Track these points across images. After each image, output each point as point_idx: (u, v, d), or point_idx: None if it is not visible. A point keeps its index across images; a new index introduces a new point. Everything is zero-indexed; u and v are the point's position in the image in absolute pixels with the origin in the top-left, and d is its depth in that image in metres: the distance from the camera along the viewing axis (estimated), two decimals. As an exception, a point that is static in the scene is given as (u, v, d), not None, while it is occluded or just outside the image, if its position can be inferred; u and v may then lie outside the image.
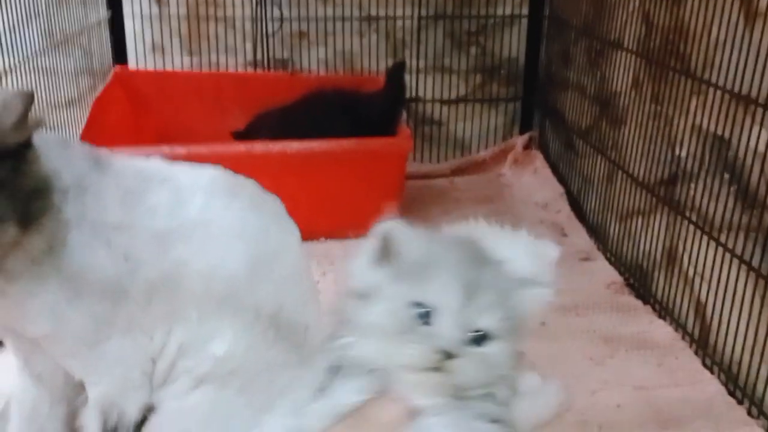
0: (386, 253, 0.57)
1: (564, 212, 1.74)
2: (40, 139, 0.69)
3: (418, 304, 0.53)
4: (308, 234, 1.44)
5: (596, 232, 1.65)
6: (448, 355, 0.51)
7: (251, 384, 0.79)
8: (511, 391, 0.54)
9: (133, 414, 0.76)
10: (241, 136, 1.70)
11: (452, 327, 0.52)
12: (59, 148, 0.72)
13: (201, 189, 0.80)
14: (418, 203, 1.77)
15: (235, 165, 1.48)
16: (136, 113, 1.84)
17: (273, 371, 0.80)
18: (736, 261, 1.10)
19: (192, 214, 0.78)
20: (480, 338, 0.53)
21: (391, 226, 0.58)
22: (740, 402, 1.11)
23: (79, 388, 0.77)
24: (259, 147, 1.50)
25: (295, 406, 0.64)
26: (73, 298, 0.70)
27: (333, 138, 1.52)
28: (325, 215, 1.58)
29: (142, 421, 0.77)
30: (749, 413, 1.08)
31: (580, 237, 1.65)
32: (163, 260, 0.76)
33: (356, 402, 0.56)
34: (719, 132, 1.18)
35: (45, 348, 0.75)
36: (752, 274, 1.07)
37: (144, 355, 0.76)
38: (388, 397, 0.55)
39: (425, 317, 0.53)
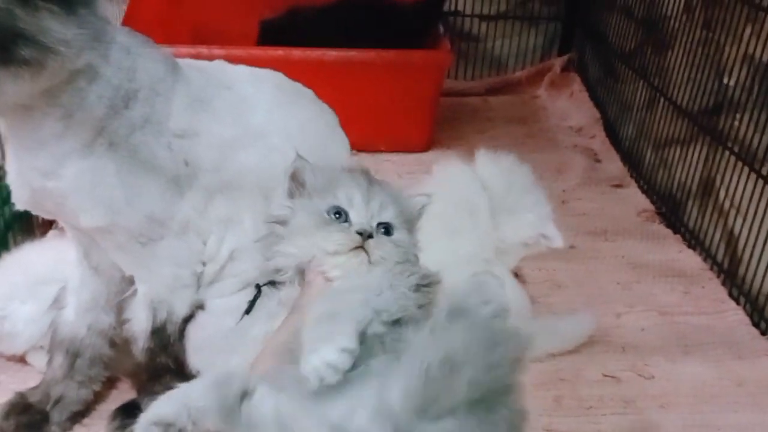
0: (297, 185, 0.68)
1: (599, 138, 1.72)
2: (123, 33, 0.70)
3: (333, 207, 0.64)
4: (343, 145, 1.45)
5: (630, 160, 1.63)
6: (368, 236, 0.62)
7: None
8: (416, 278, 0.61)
9: (181, 310, 0.78)
10: (269, 26, 1.67)
11: (364, 217, 0.64)
12: (140, 47, 0.72)
13: (264, 98, 0.81)
14: (450, 121, 1.76)
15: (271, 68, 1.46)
16: (170, 10, 1.81)
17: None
18: (775, 194, 1.09)
19: (255, 124, 0.79)
20: (385, 229, 0.65)
21: (296, 164, 0.68)
22: (763, 333, 1.12)
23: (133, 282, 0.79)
24: (297, 53, 1.48)
25: None
26: (130, 196, 0.71)
27: (366, 46, 1.49)
28: (359, 127, 1.54)
29: (190, 317, 0.79)
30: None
31: (614, 163, 1.64)
32: (223, 167, 0.76)
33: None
34: (772, 62, 1.15)
35: (98, 240, 0.76)
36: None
37: (196, 257, 0.77)
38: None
39: (340, 217, 0.64)
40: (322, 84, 1.50)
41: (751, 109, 1.20)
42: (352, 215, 0.64)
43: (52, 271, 0.91)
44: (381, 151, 1.60)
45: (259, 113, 0.78)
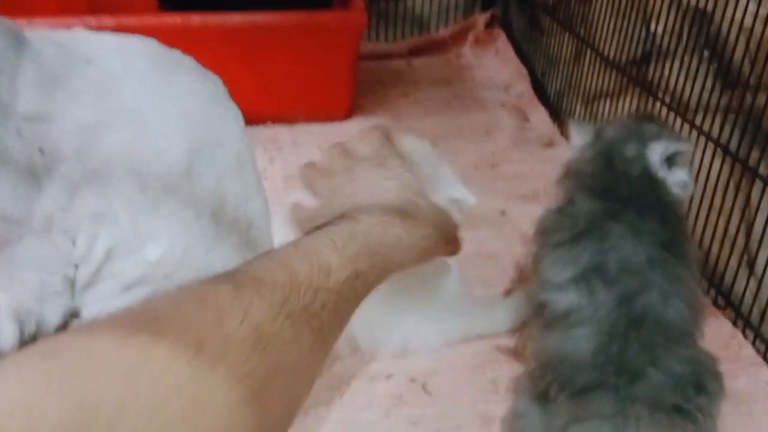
0: None
1: (527, 95, 1.65)
2: None
3: None
4: (253, 118, 1.33)
5: (560, 116, 1.57)
6: None
7: (188, 288, 0.70)
8: None
9: (53, 321, 0.67)
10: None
11: None
12: None
13: (134, 71, 0.69)
14: (372, 86, 1.66)
15: (170, 39, 1.33)
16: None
17: (212, 274, 0.71)
18: (711, 145, 1.04)
19: (124, 102, 0.67)
20: None
21: None
22: (705, 292, 1.07)
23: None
24: (196, 19, 1.35)
25: None
26: (-29, 193, 0.59)
27: (276, 10, 1.38)
28: (272, 97, 1.46)
29: (64, 326, 0.68)
30: (715, 303, 1.06)
31: (543, 122, 1.57)
32: (87, 154, 0.64)
33: None
34: (700, 5, 1.09)
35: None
36: (728, 159, 1.01)
37: (65, 259, 0.66)
38: None
39: None
40: (227, 53, 1.39)
41: (681, 55, 1.14)
42: None
43: None
44: (299, 122, 1.50)
45: (128, 89, 0.67)
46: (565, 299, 0.77)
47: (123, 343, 0.32)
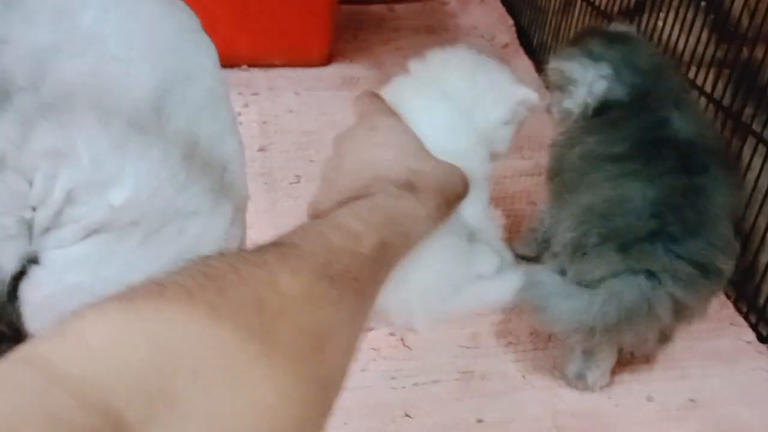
0: None
1: (512, 46, 1.60)
2: None
3: None
4: (229, 60, 1.27)
5: (545, 70, 1.52)
6: None
7: (156, 235, 0.66)
8: None
9: (9, 266, 0.62)
10: None
11: None
12: None
13: None
14: (353, 31, 1.60)
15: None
16: None
17: (183, 220, 0.67)
18: (704, 99, 1.01)
19: (84, 26, 0.60)
20: None
21: None
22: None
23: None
24: (168, -47, 1.27)
25: None
26: None
27: None
28: (248, 39, 1.39)
29: (21, 273, 0.63)
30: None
31: (527, 74, 1.52)
32: (44, 84, 0.59)
33: None
34: (699, -47, 1.04)
35: None
36: (720, 114, 0.98)
37: (20, 201, 0.61)
38: None
39: None
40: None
41: (676, 6, 1.10)
42: None
43: None
44: (275, 66, 1.44)
45: (89, 12, 0.61)
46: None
47: (193, 300, 0.33)
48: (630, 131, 0.82)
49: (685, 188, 0.77)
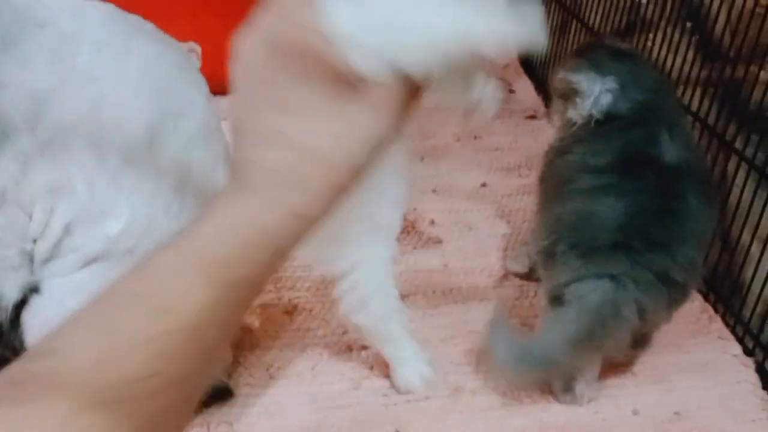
0: None
1: (512, 66, 1.63)
2: None
3: None
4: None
5: (545, 88, 1.55)
6: None
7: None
8: None
9: (11, 295, 0.66)
10: None
11: None
12: None
13: (91, 34, 0.67)
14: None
15: (142, 3, 1.30)
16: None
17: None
18: (689, 119, 1.03)
19: (80, 67, 0.65)
20: None
21: None
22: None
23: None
24: (172, -18, 1.32)
25: None
26: None
27: None
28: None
29: (24, 302, 0.67)
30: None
31: (528, 93, 1.55)
32: (41, 124, 0.63)
33: None
34: (684, -25, 1.07)
35: None
36: (705, 132, 1.00)
37: (21, 234, 0.65)
38: None
39: None
40: (204, 15, 1.36)
41: (664, 27, 1.12)
42: None
43: None
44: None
45: (84, 53, 0.65)
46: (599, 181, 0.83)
47: None
48: (617, 145, 0.85)
49: (656, 209, 0.79)
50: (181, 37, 1.38)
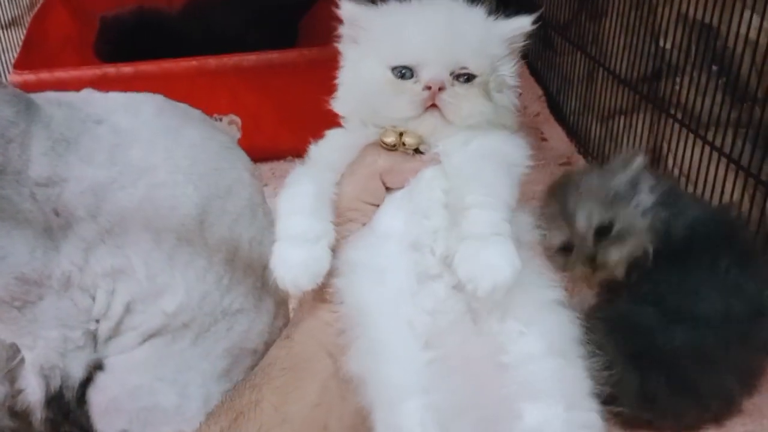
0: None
1: (543, 115, 1.66)
2: None
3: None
4: (273, 153, 1.37)
5: (577, 135, 1.57)
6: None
7: (206, 334, 0.73)
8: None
9: (77, 374, 0.70)
10: (111, 23, 1.60)
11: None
12: None
13: (143, 127, 0.71)
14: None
15: (187, 82, 1.37)
16: (79, 30, 1.70)
17: (230, 318, 0.73)
18: (723, 159, 1.03)
19: (135, 159, 0.69)
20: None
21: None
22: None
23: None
24: (212, 61, 1.39)
25: None
26: (-8, 258, 0.62)
27: (237, 46, 1.43)
28: (291, 131, 1.48)
29: (89, 380, 0.70)
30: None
31: (560, 140, 1.57)
32: (101, 213, 0.67)
33: None
34: (706, 20, 1.09)
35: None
36: (741, 173, 1.01)
37: (85, 316, 0.69)
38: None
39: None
40: (245, 91, 1.43)
41: (690, 71, 1.14)
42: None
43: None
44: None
45: (138, 146, 0.69)
46: None
47: None
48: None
49: None
50: (223, 110, 1.47)
